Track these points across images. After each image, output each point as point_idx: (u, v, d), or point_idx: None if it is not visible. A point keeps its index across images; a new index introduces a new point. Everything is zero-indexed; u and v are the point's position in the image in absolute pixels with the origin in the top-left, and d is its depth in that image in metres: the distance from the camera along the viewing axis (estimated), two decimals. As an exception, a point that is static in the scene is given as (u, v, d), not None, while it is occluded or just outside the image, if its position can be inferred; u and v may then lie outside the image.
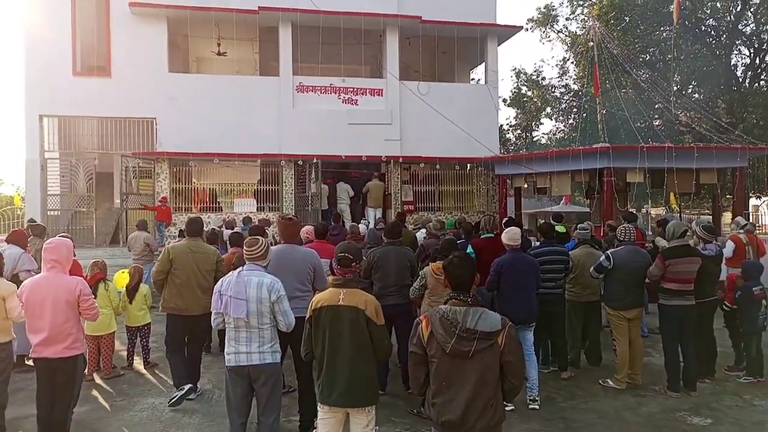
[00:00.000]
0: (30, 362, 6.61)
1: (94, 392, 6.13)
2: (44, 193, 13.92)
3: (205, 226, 11.87)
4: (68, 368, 4.40)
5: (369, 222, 13.00)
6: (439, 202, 16.07)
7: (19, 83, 13.62)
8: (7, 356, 4.86)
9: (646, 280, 6.17)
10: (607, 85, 20.24)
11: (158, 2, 13.75)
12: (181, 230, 9.26)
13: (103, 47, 14.04)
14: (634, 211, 18.38)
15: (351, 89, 15.17)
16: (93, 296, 4.65)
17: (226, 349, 4.07)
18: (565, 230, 8.08)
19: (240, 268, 4.14)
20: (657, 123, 22.66)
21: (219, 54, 16.68)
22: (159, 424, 5.26)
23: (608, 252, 6.15)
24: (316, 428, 3.63)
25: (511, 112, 30.74)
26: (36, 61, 13.52)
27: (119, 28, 14.02)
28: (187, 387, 5.60)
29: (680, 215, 19.35)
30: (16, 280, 5.79)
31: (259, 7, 13.99)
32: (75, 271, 5.66)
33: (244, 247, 4.20)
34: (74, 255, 5.48)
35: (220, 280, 4.22)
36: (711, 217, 14.61)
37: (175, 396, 5.52)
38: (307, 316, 3.58)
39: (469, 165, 15.81)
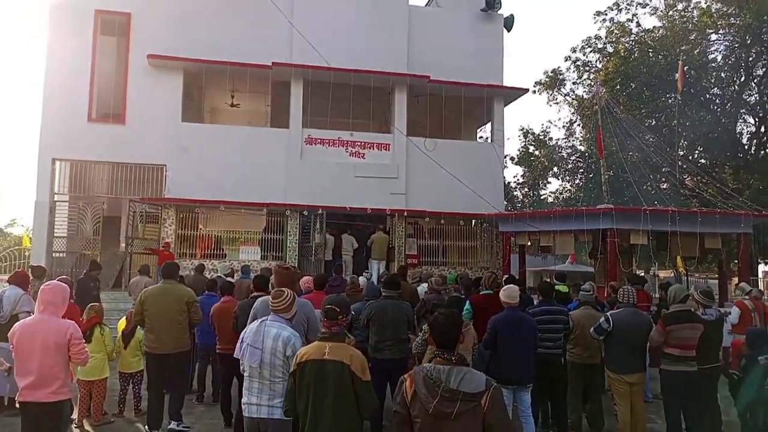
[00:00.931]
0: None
1: (82, 439, 6.02)
2: (51, 234, 14.01)
3: (209, 273, 11.96)
4: (53, 413, 4.32)
5: (372, 274, 12.97)
6: (443, 256, 16.02)
7: (35, 126, 13.87)
8: None
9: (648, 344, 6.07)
10: (613, 148, 20.45)
11: (176, 56, 14.22)
12: (180, 276, 9.25)
13: (120, 95, 14.44)
14: (642, 273, 18.25)
15: (359, 143, 15.43)
16: (84, 341, 4.61)
17: (242, 399, 4.10)
18: (567, 290, 8.03)
19: (264, 317, 4.16)
20: (663, 187, 22.77)
21: (232, 105, 17.11)
22: (143, 476, 5.12)
23: (608, 314, 6.08)
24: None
25: (519, 170, 31.02)
26: (53, 106, 13.88)
27: (137, 78, 14.44)
28: None
29: (687, 279, 19.15)
30: (15, 320, 5.77)
31: (272, 62, 14.43)
32: (72, 314, 5.65)
33: (270, 299, 4.23)
34: (71, 299, 5.49)
35: (246, 326, 4.28)
36: (718, 281, 14.47)
37: None
38: (291, 369, 3.53)
39: (473, 221, 15.86)
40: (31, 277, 7.44)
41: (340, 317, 3.51)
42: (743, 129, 24.70)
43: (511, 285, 5.84)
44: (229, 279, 10.03)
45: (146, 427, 6.08)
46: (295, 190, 14.66)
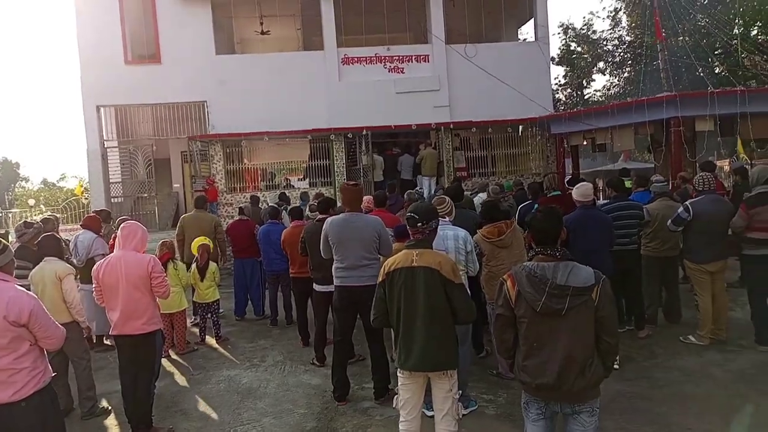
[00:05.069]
0: (109, 341, 6.87)
1: (172, 368, 6.32)
2: (107, 181, 14.33)
3: (261, 204, 12.10)
4: (148, 344, 4.49)
5: (423, 191, 12.84)
6: (492, 166, 15.62)
7: (75, 76, 13.86)
8: (72, 336, 4.62)
9: (729, 232, 5.81)
10: (663, 33, 19.08)
11: (201, -16, 13.77)
12: (240, 208, 9.39)
13: (152, 35, 14.18)
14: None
15: (396, 57, 14.83)
16: (165, 274, 4.71)
17: None
18: (629, 185, 7.73)
19: None
20: (718, 70, 21.33)
21: (262, 33, 16.63)
22: (237, 395, 5.35)
23: (687, 203, 5.79)
24: (397, 394, 3.55)
25: (560, 71, 29.53)
26: (89, 53, 13.75)
27: (166, 15, 14.09)
28: None
29: (750, 165, 18.22)
30: (91, 264, 5.95)
31: (299, -20, 13.82)
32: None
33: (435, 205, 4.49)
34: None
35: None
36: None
37: None
38: (380, 279, 3.47)
39: (521, 126, 15.29)
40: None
41: (419, 224, 3.36)
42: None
43: (584, 183, 5.61)
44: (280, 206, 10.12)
45: None
46: (337, 113, 14.37)
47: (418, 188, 12.67)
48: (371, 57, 14.76)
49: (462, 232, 4.57)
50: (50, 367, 3.35)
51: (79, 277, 6.31)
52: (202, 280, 7.10)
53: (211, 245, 7.61)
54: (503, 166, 15.66)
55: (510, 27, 17.67)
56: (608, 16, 27.12)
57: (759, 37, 22.42)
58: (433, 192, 10.93)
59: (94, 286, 4.59)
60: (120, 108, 14.21)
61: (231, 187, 14.51)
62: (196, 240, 7.31)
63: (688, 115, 10.13)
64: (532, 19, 15.93)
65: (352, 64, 14.73)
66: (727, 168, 19.01)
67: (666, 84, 12.84)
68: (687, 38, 19.38)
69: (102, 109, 14.12)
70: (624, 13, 25.59)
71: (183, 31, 14.01)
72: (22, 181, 58.75)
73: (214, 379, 5.84)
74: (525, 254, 5.16)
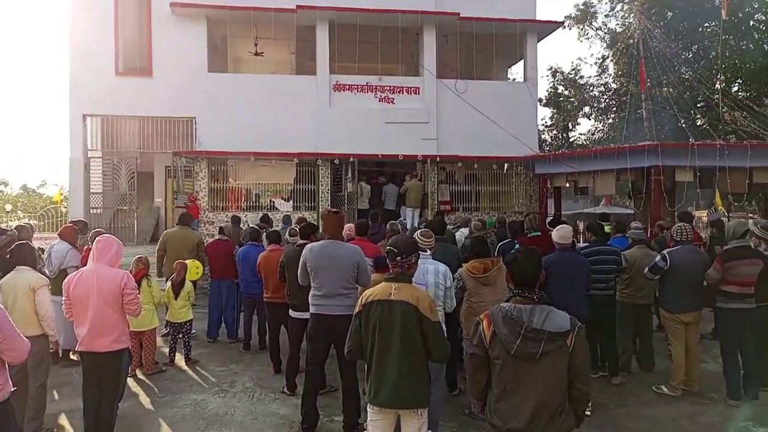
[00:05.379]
0: (75, 357, 6.68)
1: (137, 388, 6.14)
2: (87, 191, 14.14)
3: (243, 224, 12.02)
4: (115, 362, 4.37)
5: (407, 222, 12.87)
6: (476, 202, 15.76)
7: (63, 84, 13.77)
8: (39, 350, 4.60)
9: (705, 283, 5.88)
10: (648, 84, 19.65)
11: (198, 2, 13.86)
12: (220, 227, 9.31)
13: (145, 48, 14.21)
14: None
15: (388, 87, 15.01)
16: (137, 291, 4.62)
17: None
18: (609, 230, 7.82)
19: None
20: (700, 123, 21.91)
21: (256, 54, 16.74)
22: (202, 421, 5.21)
23: (664, 252, 5.87)
24: (366, 429, 3.48)
25: (547, 113, 30.15)
26: (80, 61, 13.73)
27: (160, 29, 14.16)
28: None
29: (728, 218, 18.62)
30: (63, 275, 5.81)
31: (296, 6, 13.97)
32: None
33: (422, 238, 4.87)
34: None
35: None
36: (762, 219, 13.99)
37: None
38: (357, 310, 3.42)
39: (506, 164, 15.48)
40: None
41: (398, 258, 3.35)
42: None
43: (564, 225, 5.65)
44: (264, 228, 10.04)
45: None
46: (325, 139, 14.44)
47: (401, 219, 12.70)
48: (363, 85, 14.91)
49: (442, 267, 4.58)
50: (10, 381, 3.24)
51: (50, 287, 6.16)
52: (176, 299, 6.98)
53: (201, 268, 7.55)
54: (487, 202, 15.78)
55: (500, 66, 18.02)
56: (596, 63, 27.91)
57: (740, 93, 23.14)
58: (416, 224, 10.93)
59: (63, 299, 4.48)
60: (107, 118, 14.13)
61: (213, 205, 14.41)
62: (189, 262, 7.31)
63: (668, 164, 10.36)
64: (522, 60, 16.28)
65: (344, 91, 14.86)
66: (704, 219, 19.38)
67: (648, 133, 13.15)
68: (671, 90, 19.94)
69: (88, 119, 14.03)
70: (611, 61, 26.26)
71: (176, 46, 14.06)
72: (0, 185, 57.75)
73: (180, 402, 5.69)
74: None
